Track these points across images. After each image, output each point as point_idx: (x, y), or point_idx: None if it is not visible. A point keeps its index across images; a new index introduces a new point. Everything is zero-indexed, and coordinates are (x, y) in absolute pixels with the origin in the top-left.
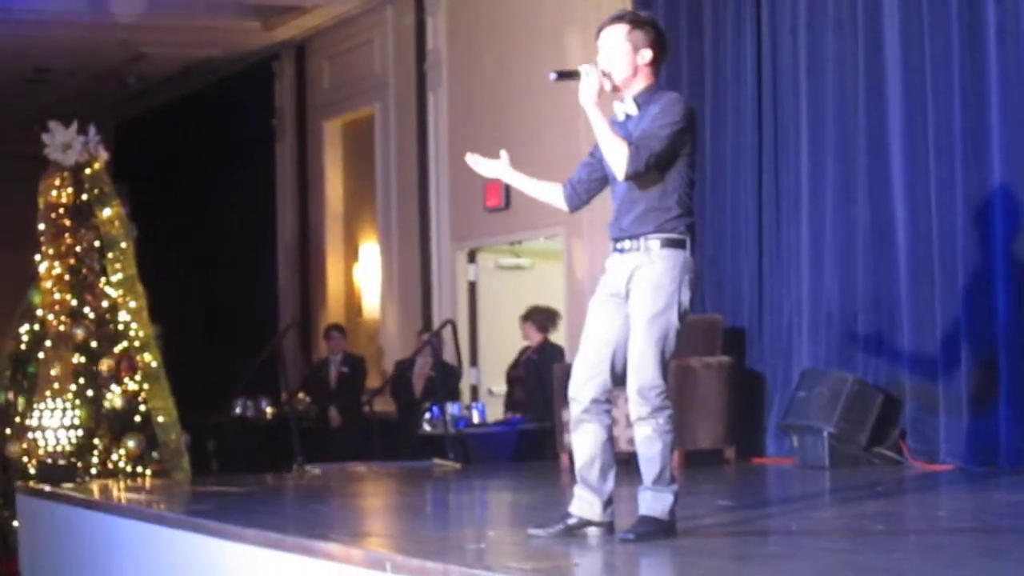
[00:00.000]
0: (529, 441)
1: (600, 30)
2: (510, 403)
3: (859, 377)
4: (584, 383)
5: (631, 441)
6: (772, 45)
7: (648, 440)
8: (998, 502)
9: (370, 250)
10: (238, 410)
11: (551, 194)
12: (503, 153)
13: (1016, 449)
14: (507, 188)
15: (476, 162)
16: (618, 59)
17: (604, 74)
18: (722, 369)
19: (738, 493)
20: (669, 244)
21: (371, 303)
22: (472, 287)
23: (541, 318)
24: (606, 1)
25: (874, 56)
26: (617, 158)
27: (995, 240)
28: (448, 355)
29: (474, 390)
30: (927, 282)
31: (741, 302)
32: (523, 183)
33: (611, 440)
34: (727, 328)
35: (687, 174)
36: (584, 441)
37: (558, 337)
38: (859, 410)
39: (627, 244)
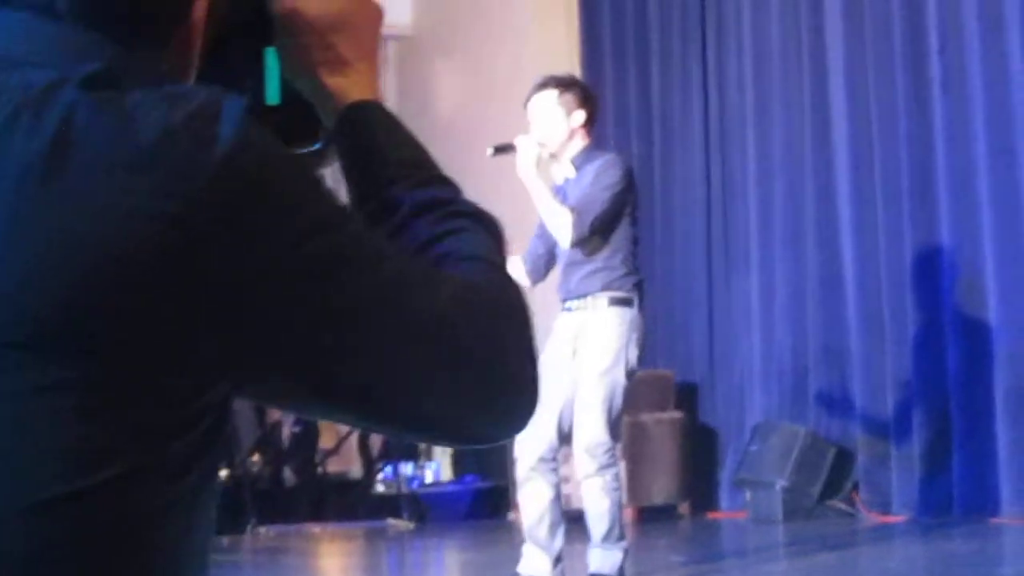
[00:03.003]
0: (483, 499)
1: (528, 99)
2: (456, 459)
3: (811, 430)
4: (531, 442)
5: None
6: (719, 100)
7: (596, 498)
8: (950, 553)
9: None
10: None
11: (512, 268)
12: None
13: (969, 499)
14: None
15: None
16: (552, 125)
17: (540, 144)
18: (674, 424)
19: (691, 548)
20: (617, 302)
21: None
22: None
23: None
24: (556, 60)
25: (820, 108)
26: (561, 227)
27: (943, 291)
28: None
29: (429, 449)
30: (878, 335)
31: (692, 357)
32: None
33: (559, 498)
34: (679, 383)
35: (631, 232)
36: (532, 499)
37: None
38: (811, 463)
39: (575, 303)
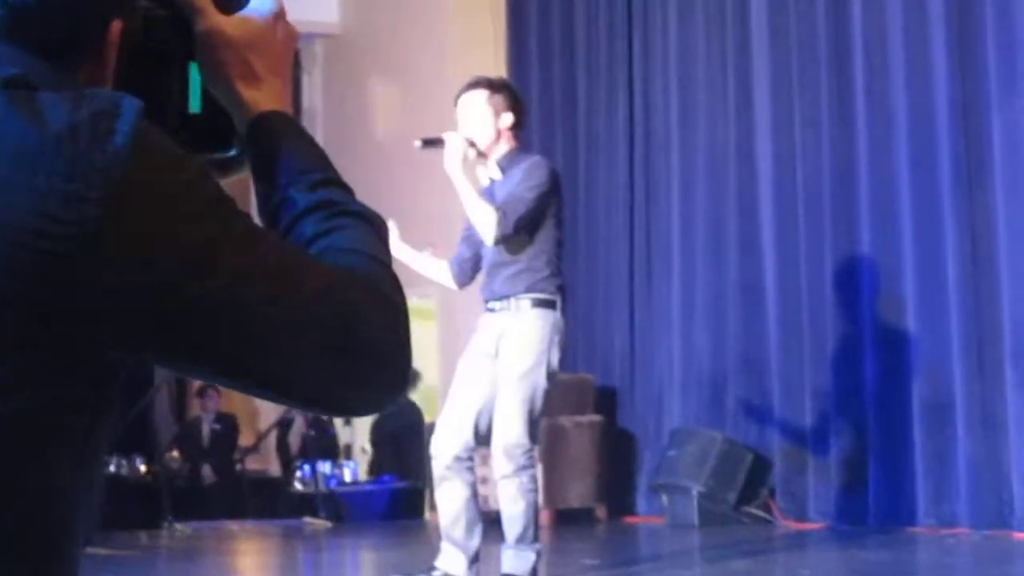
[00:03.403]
0: (400, 499)
1: (458, 97)
2: (374, 459)
3: (729, 436)
4: (447, 440)
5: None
6: (644, 107)
7: (511, 498)
8: (864, 560)
9: None
10: (112, 468)
11: (438, 271)
12: (392, 224)
13: (884, 507)
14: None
15: None
16: (480, 124)
17: (468, 141)
18: (593, 428)
19: (606, 552)
20: (539, 304)
21: None
22: None
23: None
24: (481, 63)
25: (744, 117)
26: (485, 224)
27: (863, 303)
28: None
29: (348, 448)
30: (797, 343)
31: (613, 361)
32: (411, 258)
33: (475, 497)
34: (599, 387)
35: (555, 235)
36: (448, 498)
37: (427, 397)
38: (728, 469)
39: (498, 304)
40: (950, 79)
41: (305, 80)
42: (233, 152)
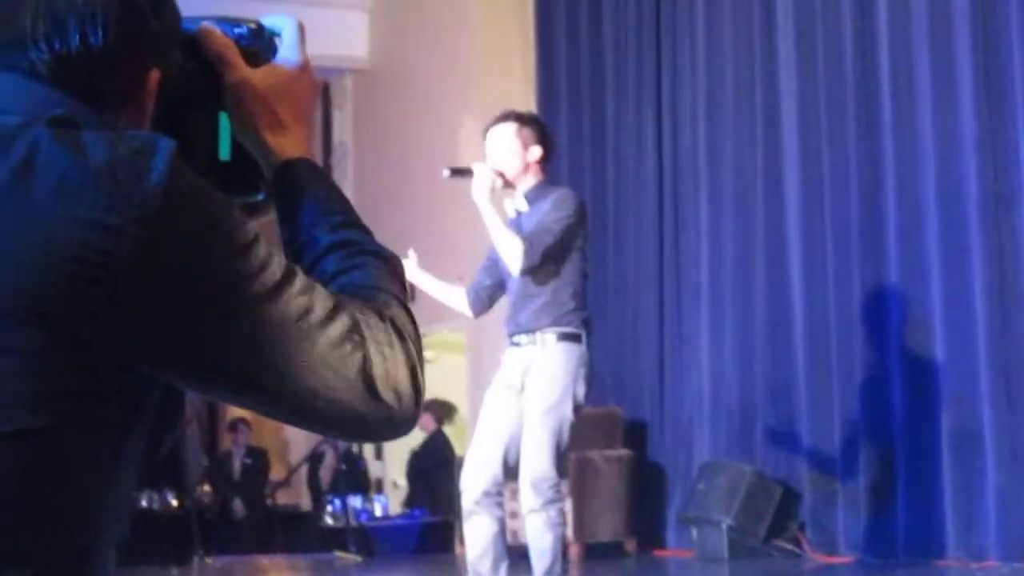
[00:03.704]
0: (430, 533)
1: (487, 129)
2: (411, 494)
3: (758, 469)
4: (475, 475)
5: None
6: (672, 137)
7: (539, 532)
8: None
9: None
10: (144, 502)
11: (456, 299)
12: (411, 252)
13: (913, 539)
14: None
15: None
16: (509, 156)
17: (495, 172)
18: (622, 462)
19: None
20: (565, 338)
21: None
22: None
23: (439, 409)
24: (508, 98)
25: (772, 149)
26: (512, 254)
27: (891, 333)
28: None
29: (379, 483)
30: (825, 374)
31: (642, 395)
32: (430, 285)
33: (503, 532)
34: (628, 421)
35: (581, 267)
36: (476, 533)
37: (459, 431)
38: (758, 502)
39: (523, 338)
40: (976, 108)
41: (336, 115)
42: (261, 196)
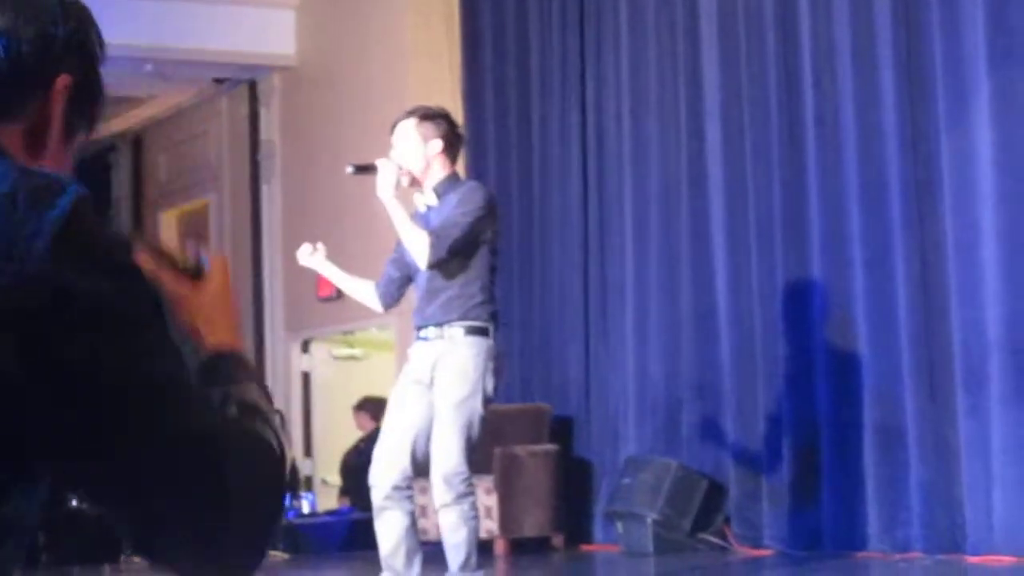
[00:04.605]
0: (359, 530)
1: (394, 125)
2: (344, 491)
3: (683, 464)
4: (385, 470)
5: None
6: (597, 136)
7: (453, 526)
8: None
9: None
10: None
11: (364, 292)
12: (320, 245)
13: (837, 532)
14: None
15: (301, 251)
16: (409, 151)
17: (400, 168)
18: (548, 457)
19: None
20: (473, 331)
21: None
22: (306, 377)
23: (374, 407)
24: (438, 95)
25: (696, 146)
26: (418, 249)
27: (814, 328)
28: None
29: (308, 480)
30: (750, 370)
31: (568, 390)
32: (338, 278)
33: (414, 526)
34: (554, 416)
35: (489, 261)
36: (387, 528)
37: None
38: (683, 496)
39: (431, 332)
40: (899, 105)
41: (263, 113)
42: None
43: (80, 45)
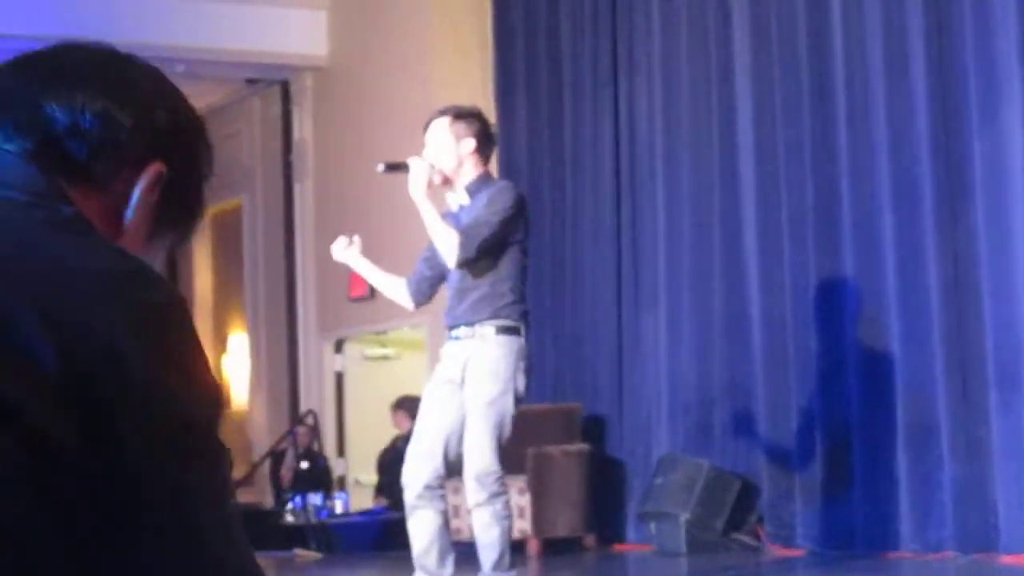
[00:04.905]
0: (392, 530)
1: (427, 124)
2: (380, 490)
3: (716, 463)
4: (417, 469)
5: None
6: (629, 135)
7: (486, 526)
8: None
9: (238, 341)
10: None
11: (396, 289)
12: (356, 239)
13: (870, 532)
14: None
15: (336, 244)
16: (442, 150)
17: (432, 167)
18: (581, 457)
19: None
20: (504, 331)
21: (239, 394)
22: (339, 377)
23: (412, 406)
24: (469, 94)
25: (728, 145)
26: (448, 247)
27: (847, 327)
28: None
29: (341, 480)
30: (782, 368)
31: (600, 390)
32: (370, 274)
33: (447, 525)
34: (586, 416)
35: (520, 261)
36: (419, 528)
37: None
38: (716, 496)
39: (462, 332)
40: (930, 105)
41: (295, 113)
42: None
43: (181, 144)
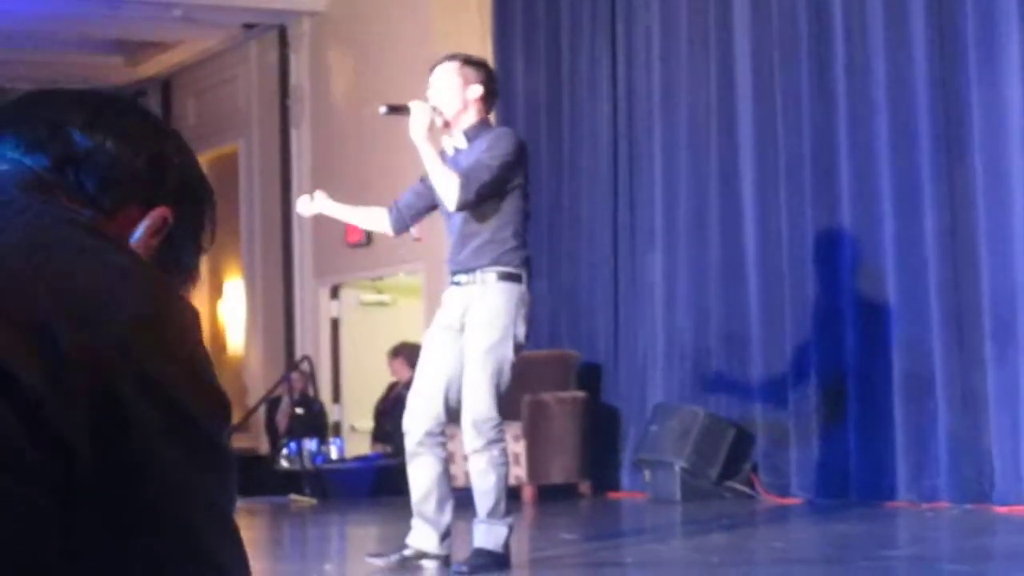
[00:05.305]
0: (388, 476)
1: (433, 67)
2: (377, 436)
3: (711, 411)
4: (418, 416)
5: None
6: (627, 81)
7: (482, 473)
8: (841, 534)
9: (235, 286)
10: None
11: (374, 219)
12: (318, 192)
13: (865, 481)
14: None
15: (299, 205)
16: (448, 92)
17: (434, 110)
18: (576, 404)
19: (587, 527)
20: (505, 277)
21: (235, 339)
22: (335, 323)
23: (411, 353)
24: (468, 41)
25: (726, 93)
26: (448, 189)
27: (843, 276)
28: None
29: (336, 426)
30: (778, 316)
31: (597, 337)
32: (344, 213)
33: (447, 472)
34: (582, 363)
35: (521, 207)
36: (419, 474)
37: None
38: (710, 444)
39: (463, 278)
40: (929, 54)
41: (292, 58)
42: None
43: (188, 202)
